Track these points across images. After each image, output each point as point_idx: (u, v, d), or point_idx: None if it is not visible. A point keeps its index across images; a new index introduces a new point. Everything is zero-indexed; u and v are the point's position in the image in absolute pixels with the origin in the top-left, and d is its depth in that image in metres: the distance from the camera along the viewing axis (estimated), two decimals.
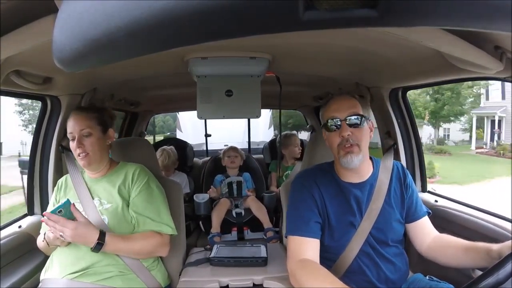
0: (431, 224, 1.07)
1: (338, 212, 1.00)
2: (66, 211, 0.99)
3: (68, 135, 1.11)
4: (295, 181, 1.07)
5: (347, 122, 0.97)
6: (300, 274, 0.88)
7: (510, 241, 0.81)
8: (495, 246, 0.84)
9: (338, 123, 0.98)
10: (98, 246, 0.99)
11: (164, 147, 2.34)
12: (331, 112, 0.99)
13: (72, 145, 1.10)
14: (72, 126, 1.10)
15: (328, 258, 0.98)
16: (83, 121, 1.10)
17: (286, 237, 1.01)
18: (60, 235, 0.96)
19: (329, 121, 0.99)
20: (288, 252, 0.97)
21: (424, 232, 1.04)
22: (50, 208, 1.17)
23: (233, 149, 2.29)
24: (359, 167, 1.00)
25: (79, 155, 1.10)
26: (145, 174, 1.18)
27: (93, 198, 1.11)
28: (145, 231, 1.10)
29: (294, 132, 2.57)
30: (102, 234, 1.00)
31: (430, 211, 1.09)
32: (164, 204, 1.17)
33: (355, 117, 0.97)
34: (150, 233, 1.10)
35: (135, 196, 1.12)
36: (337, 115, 0.98)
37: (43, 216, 0.99)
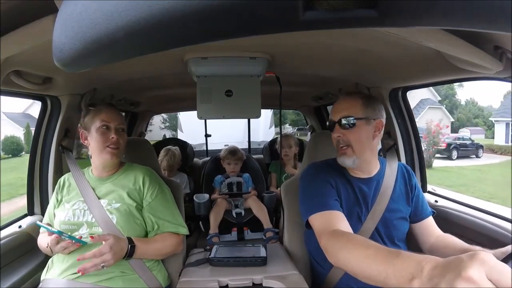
0: (435, 224, 1.09)
1: (348, 203, 1.01)
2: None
3: (101, 123, 1.13)
4: (305, 172, 1.08)
5: (339, 124, 1.00)
6: (331, 245, 0.78)
7: (505, 248, 0.81)
8: (490, 252, 0.84)
9: (332, 125, 1.02)
10: (131, 251, 1.02)
11: (169, 146, 2.34)
12: (331, 114, 1.04)
13: (104, 134, 1.12)
14: (108, 117, 1.13)
15: None
16: (119, 116, 1.17)
17: (305, 225, 0.97)
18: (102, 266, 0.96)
19: (329, 122, 1.05)
20: (316, 232, 0.90)
21: (428, 232, 1.08)
22: (51, 207, 1.17)
23: (232, 153, 2.21)
24: (361, 165, 1.03)
25: (109, 146, 1.12)
26: (156, 178, 1.22)
27: (99, 198, 1.12)
28: (164, 233, 1.14)
29: (288, 134, 2.54)
30: (129, 240, 1.04)
31: (434, 210, 1.12)
32: (175, 206, 1.23)
33: (347, 119, 0.99)
34: (168, 234, 1.16)
35: (151, 200, 1.15)
36: (332, 117, 1.02)
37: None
